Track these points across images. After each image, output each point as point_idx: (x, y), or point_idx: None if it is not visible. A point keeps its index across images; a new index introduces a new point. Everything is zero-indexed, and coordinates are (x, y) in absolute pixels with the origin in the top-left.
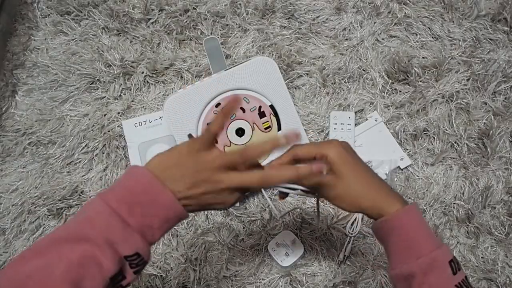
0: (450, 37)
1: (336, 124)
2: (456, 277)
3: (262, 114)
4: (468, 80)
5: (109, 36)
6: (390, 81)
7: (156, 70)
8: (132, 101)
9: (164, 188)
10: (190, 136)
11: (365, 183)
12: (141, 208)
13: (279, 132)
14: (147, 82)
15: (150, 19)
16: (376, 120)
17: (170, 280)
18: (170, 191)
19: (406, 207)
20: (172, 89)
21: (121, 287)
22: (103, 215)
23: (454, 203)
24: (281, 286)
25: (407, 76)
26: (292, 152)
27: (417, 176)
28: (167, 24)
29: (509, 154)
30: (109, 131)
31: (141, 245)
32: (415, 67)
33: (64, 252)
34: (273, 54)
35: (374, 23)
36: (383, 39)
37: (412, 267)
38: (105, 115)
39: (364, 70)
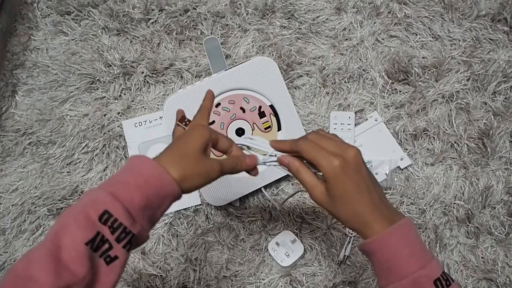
0: (450, 37)
1: (336, 124)
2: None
3: (262, 114)
4: (468, 80)
5: (109, 36)
6: (390, 81)
7: (156, 70)
8: (132, 101)
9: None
10: (182, 119)
11: (353, 199)
12: (119, 174)
13: (279, 132)
14: (147, 82)
15: (150, 19)
16: (376, 120)
17: (170, 280)
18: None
19: (389, 229)
20: (172, 89)
21: (111, 260)
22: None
23: (454, 203)
24: (281, 286)
25: (407, 76)
26: (298, 148)
27: (417, 176)
28: (167, 24)
29: (509, 154)
30: (109, 131)
31: (108, 201)
32: (415, 67)
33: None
34: (273, 54)
35: (374, 23)
36: (383, 39)
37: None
38: (105, 115)
39: (364, 70)
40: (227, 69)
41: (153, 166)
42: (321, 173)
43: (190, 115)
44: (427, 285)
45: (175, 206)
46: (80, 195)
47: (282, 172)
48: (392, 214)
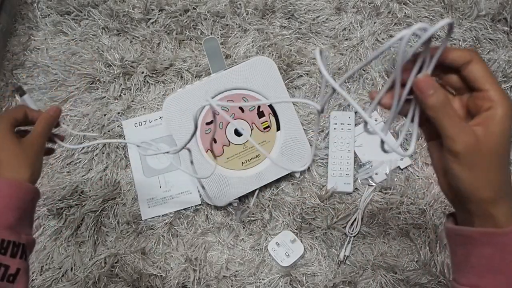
0: (450, 37)
1: (336, 124)
2: None
3: (261, 114)
4: None
5: (109, 36)
6: None
7: (156, 70)
8: (132, 101)
9: None
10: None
11: (506, 168)
12: None
13: (278, 132)
14: (147, 82)
15: (150, 19)
16: (376, 120)
17: (170, 280)
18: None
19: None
20: (172, 89)
21: (14, 276)
22: None
23: None
24: (281, 286)
25: None
26: (471, 56)
27: (417, 176)
28: (167, 24)
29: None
30: (109, 131)
31: None
32: None
33: None
34: (273, 54)
35: (374, 23)
36: (383, 39)
37: None
38: (105, 115)
39: (364, 70)
40: (226, 69)
41: (6, 182)
42: None
43: (189, 115)
44: None
45: (175, 206)
46: (80, 195)
47: (282, 172)
48: None
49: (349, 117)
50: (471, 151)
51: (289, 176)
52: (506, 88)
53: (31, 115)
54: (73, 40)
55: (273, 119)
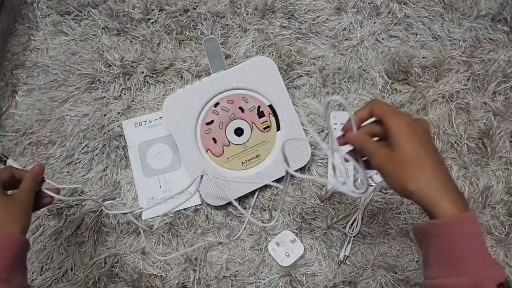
0: (450, 37)
1: (336, 124)
2: None
3: (261, 114)
4: (468, 80)
5: (109, 36)
6: (390, 81)
7: (156, 70)
8: (132, 101)
9: None
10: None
11: (422, 165)
12: None
13: (278, 132)
14: (147, 82)
15: (150, 19)
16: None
17: (170, 280)
18: None
19: (465, 214)
20: (172, 89)
21: None
22: None
23: None
24: (281, 286)
25: (407, 76)
26: (369, 108)
27: None
28: (167, 24)
29: (509, 154)
30: (109, 131)
31: None
32: (415, 67)
33: None
34: (273, 54)
35: (374, 23)
36: (383, 39)
37: (452, 284)
38: (105, 115)
39: (364, 70)
40: (226, 69)
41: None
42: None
43: (189, 115)
44: (490, 287)
45: (175, 206)
46: (80, 195)
47: (282, 172)
48: (461, 199)
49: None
50: (387, 161)
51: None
52: (506, 88)
53: (18, 174)
54: (73, 40)
55: (273, 119)
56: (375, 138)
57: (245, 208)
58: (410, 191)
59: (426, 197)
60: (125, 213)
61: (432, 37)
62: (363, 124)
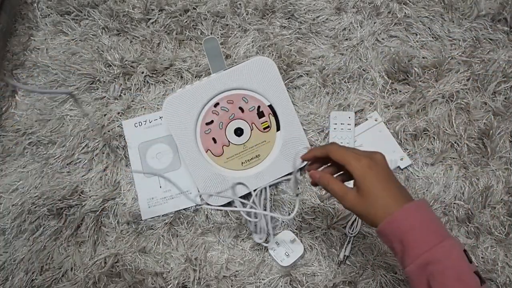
0: (450, 37)
1: (336, 124)
2: (472, 265)
3: (261, 114)
4: (468, 80)
5: (109, 36)
6: (390, 81)
7: (156, 70)
8: (132, 101)
9: None
10: None
11: (380, 203)
12: None
13: (278, 132)
14: (147, 82)
15: (150, 19)
16: (376, 120)
17: (170, 280)
18: None
19: (401, 209)
20: (172, 89)
21: None
22: None
23: (454, 203)
24: (281, 286)
25: (407, 76)
26: (326, 150)
27: (417, 176)
28: (167, 24)
29: (509, 154)
30: (109, 131)
31: None
32: (415, 67)
33: None
34: (273, 54)
35: (374, 23)
36: (383, 39)
37: (428, 256)
38: (105, 115)
39: (364, 70)
40: (226, 69)
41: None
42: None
43: (189, 115)
44: (459, 252)
45: (175, 206)
46: (80, 195)
47: (282, 172)
48: (405, 198)
49: (349, 117)
50: (358, 204)
51: (288, 176)
52: (506, 88)
53: None
54: (73, 40)
55: (273, 119)
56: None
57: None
58: (375, 218)
59: (387, 215)
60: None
61: (432, 37)
62: (321, 168)
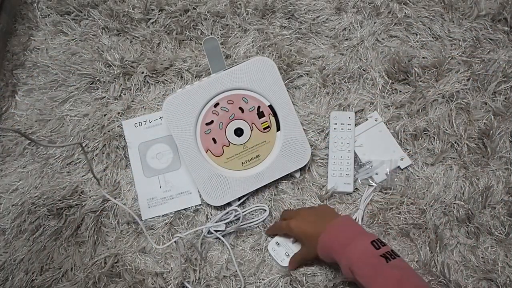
0: (450, 37)
1: (336, 124)
2: (380, 250)
3: (261, 114)
4: (468, 80)
5: (109, 36)
6: (390, 81)
7: (156, 70)
8: (132, 101)
9: None
10: None
11: (313, 242)
12: None
13: (278, 132)
14: (147, 82)
15: (150, 19)
16: (376, 120)
17: (170, 280)
18: None
19: (327, 226)
20: (172, 89)
21: None
22: None
23: (454, 203)
24: (281, 286)
25: (407, 76)
26: (271, 231)
27: (417, 176)
28: (167, 24)
29: (509, 154)
30: (109, 131)
31: None
32: (415, 67)
33: None
34: (273, 54)
35: (374, 23)
36: (383, 39)
37: (343, 259)
38: (105, 115)
39: (364, 70)
40: (226, 69)
41: None
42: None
43: (189, 115)
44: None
45: (175, 206)
46: (80, 195)
47: (282, 172)
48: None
49: (349, 117)
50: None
51: (289, 176)
52: (506, 88)
53: None
54: (73, 40)
55: (273, 119)
56: None
57: (244, 208)
58: (320, 252)
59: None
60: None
61: (432, 37)
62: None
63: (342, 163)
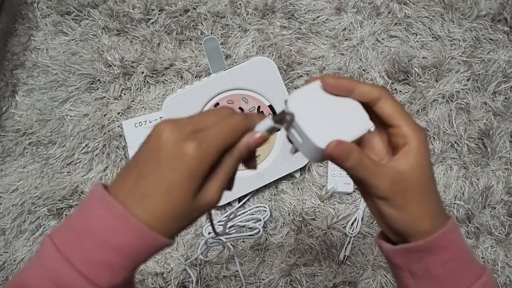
0: (450, 37)
1: None
2: None
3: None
4: (468, 80)
5: (109, 36)
6: (390, 81)
7: (156, 70)
8: (132, 101)
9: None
10: None
11: (429, 204)
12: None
13: (278, 132)
14: (147, 82)
15: (150, 19)
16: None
17: (170, 280)
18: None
19: (452, 224)
20: (172, 89)
21: None
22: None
23: (454, 203)
24: (281, 286)
25: (407, 76)
26: (376, 96)
27: None
28: (167, 24)
29: (509, 154)
30: (109, 131)
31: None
32: (415, 67)
33: None
34: (273, 54)
35: (374, 23)
36: (383, 39)
37: None
38: (105, 115)
39: (364, 70)
40: (226, 69)
41: (138, 231)
42: None
43: (188, 115)
44: None
45: None
46: (80, 195)
47: (282, 172)
48: (440, 211)
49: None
50: (397, 193)
51: (289, 176)
52: (506, 88)
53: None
54: (73, 40)
55: None
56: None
57: (244, 208)
58: (424, 231)
59: (431, 224)
60: None
61: (432, 37)
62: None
63: None
